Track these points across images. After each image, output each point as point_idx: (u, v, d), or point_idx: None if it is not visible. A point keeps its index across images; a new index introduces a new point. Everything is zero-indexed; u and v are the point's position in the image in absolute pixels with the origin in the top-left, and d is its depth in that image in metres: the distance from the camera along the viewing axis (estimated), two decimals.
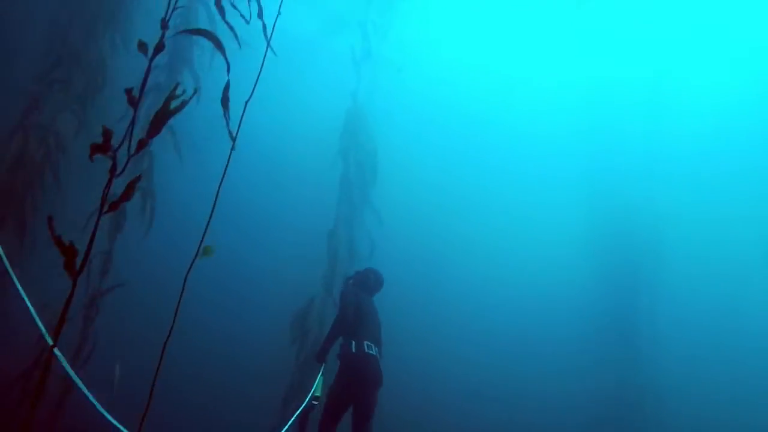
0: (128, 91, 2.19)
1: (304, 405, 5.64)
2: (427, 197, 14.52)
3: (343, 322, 5.75)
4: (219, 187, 2.26)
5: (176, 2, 2.44)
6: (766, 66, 15.24)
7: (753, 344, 13.63)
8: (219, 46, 2.57)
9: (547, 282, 14.33)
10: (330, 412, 5.56)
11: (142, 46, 2.24)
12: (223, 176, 2.39)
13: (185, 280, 2.13)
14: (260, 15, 2.93)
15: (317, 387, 5.75)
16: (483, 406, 12.44)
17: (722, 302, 14.51)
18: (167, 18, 2.30)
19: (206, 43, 2.83)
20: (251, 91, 2.44)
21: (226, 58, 2.63)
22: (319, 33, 14.27)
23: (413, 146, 14.53)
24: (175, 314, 2.25)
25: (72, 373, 3.42)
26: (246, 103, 2.29)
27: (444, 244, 14.43)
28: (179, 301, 2.24)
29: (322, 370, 5.86)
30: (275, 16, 2.89)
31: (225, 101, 2.60)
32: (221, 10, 2.65)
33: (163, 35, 2.28)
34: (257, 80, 2.42)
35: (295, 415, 5.63)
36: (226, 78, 2.66)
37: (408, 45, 13.09)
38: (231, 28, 2.68)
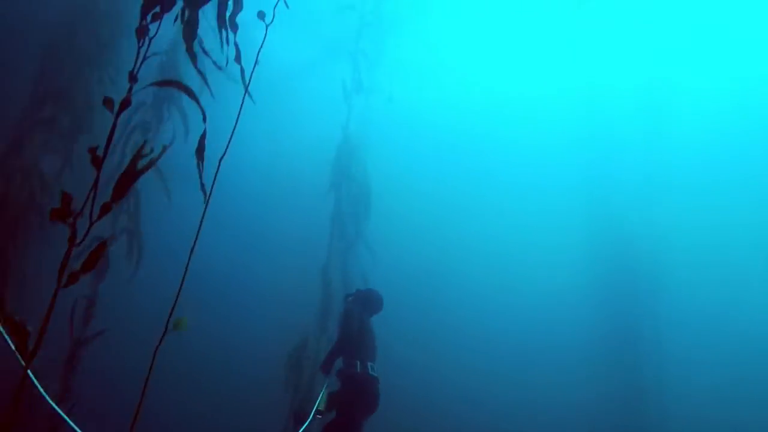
0: (92, 150, 2.03)
1: (308, 421, 5.57)
2: (425, 203, 14.55)
3: (347, 340, 5.77)
4: (192, 250, 2.10)
5: (147, 51, 2.29)
6: (763, 73, 15.29)
7: (755, 347, 13.54)
8: (192, 96, 2.42)
9: (547, 290, 14.33)
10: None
11: (108, 102, 2.09)
12: (198, 234, 2.23)
13: (154, 356, 1.95)
14: (238, 59, 2.78)
15: (321, 401, 5.67)
16: (482, 414, 12.34)
17: (723, 307, 14.45)
18: (135, 71, 2.15)
19: (194, 76, 2.69)
20: (227, 144, 2.29)
21: (201, 108, 2.48)
22: (309, 64, 14.28)
23: (409, 164, 14.54)
24: (145, 385, 2.08)
25: (54, 405, 3.24)
26: (220, 160, 2.13)
27: (443, 254, 14.44)
28: (149, 372, 2.06)
29: (326, 384, 5.82)
30: (259, 47, 2.71)
31: (200, 152, 2.43)
32: (193, 57, 2.52)
33: (130, 89, 2.14)
34: (233, 132, 2.27)
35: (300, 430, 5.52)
36: (204, 126, 2.51)
37: (400, 72, 13.11)
38: (202, 74, 2.54)
